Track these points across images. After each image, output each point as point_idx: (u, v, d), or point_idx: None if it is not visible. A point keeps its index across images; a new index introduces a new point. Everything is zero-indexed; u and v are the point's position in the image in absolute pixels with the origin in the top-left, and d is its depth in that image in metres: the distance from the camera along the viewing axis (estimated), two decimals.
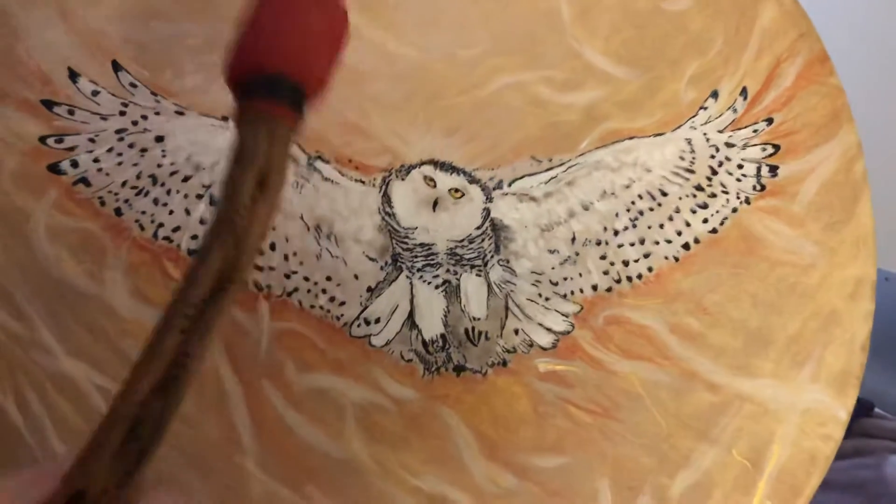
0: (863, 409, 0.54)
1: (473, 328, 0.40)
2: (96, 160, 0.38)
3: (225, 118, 0.39)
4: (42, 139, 0.37)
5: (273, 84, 0.28)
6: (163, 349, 0.24)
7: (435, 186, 0.40)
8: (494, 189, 0.41)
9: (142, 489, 0.23)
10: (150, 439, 0.23)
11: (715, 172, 0.43)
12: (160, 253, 0.38)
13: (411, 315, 0.40)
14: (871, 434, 0.51)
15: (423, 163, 0.40)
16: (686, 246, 0.42)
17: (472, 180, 0.41)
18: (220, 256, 0.25)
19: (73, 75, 0.38)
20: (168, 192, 0.38)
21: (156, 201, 0.38)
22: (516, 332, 0.41)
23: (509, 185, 0.41)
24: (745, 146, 0.43)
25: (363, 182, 0.40)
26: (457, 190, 0.41)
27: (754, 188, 0.43)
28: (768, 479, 0.40)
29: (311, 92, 0.29)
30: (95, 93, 0.38)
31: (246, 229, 0.26)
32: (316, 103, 0.30)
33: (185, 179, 0.39)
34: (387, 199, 0.40)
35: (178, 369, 0.24)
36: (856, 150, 0.44)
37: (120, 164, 0.38)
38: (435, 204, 0.40)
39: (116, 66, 0.38)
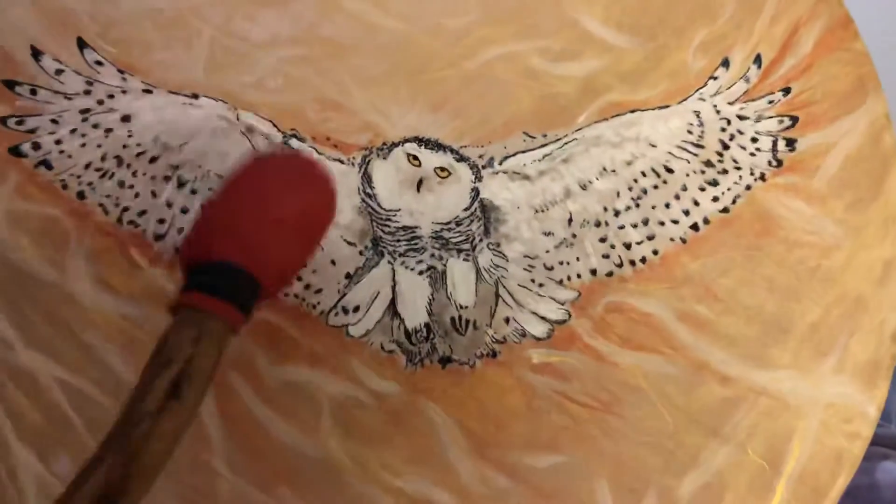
0: None
1: (460, 317, 0.38)
2: (59, 142, 0.36)
3: (195, 95, 0.37)
4: (2, 120, 0.36)
5: (220, 276, 0.26)
6: None
7: (419, 165, 0.38)
8: (484, 167, 0.38)
9: None
10: None
11: (726, 147, 0.39)
12: (125, 238, 0.36)
13: (393, 303, 0.37)
14: None
15: (406, 140, 0.38)
16: (694, 227, 0.39)
17: (460, 158, 0.38)
18: (102, 476, 0.23)
19: (37, 53, 0.36)
20: (134, 174, 0.36)
21: (121, 184, 0.36)
22: (507, 320, 0.38)
23: (500, 163, 0.38)
24: (759, 118, 0.40)
25: (342, 161, 0.37)
26: (443, 169, 0.38)
27: (770, 163, 0.39)
28: (788, 481, 0.36)
29: (266, 288, 0.27)
30: (59, 71, 0.36)
31: (143, 445, 0.23)
32: (272, 299, 0.28)
33: (152, 160, 0.36)
34: (367, 179, 0.38)
35: None
36: (884, 121, 0.40)
37: (83, 145, 0.36)
38: (419, 184, 0.38)
39: (82, 44, 0.36)
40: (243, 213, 0.27)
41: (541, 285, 0.38)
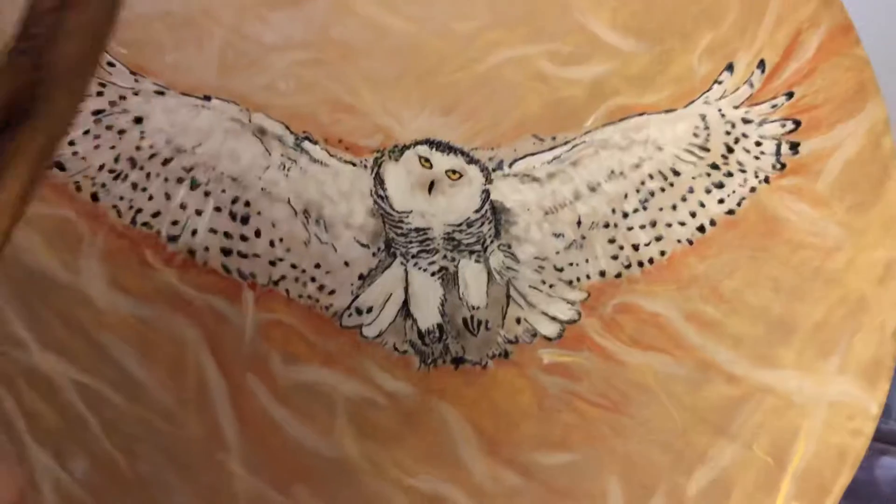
0: None
1: (472, 317, 0.38)
2: (72, 143, 0.36)
3: (207, 97, 0.37)
4: None
5: None
6: None
7: (431, 167, 0.38)
8: (494, 170, 0.39)
9: None
10: None
11: (731, 150, 0.40)
12: (139, 240, 0.36)
13: (406, 304, 0.38)
14: None
15: (417, 143, 0.38)
16: (701, 228, 0.39)
17: (471, 160, 0.38)
18: (8, 80, 0.19)
19: None
20: (147, 176, 0.36)
21: (134, 186, 0.36)
22: (518, 321, 0.38)
23: (510, 165, 0.39)
24: (762, 122, 0.40)
25: (354, 164, 0.38)
26: (454, 171, 0.38)
27: (774, 166, 0.40)
28: (793, 478, 0.37)
29: None
30: None
31: (49, 43, 0.19)
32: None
33: (165, 162, 0.37)
34: (379, 181, 0.38)
35: None
36: (883, 126, 0.40)
37: (97, 147, 0.36)
38: (431, 186, 0.38)
39: None
40: None
41: (551, 286, 0.39)
